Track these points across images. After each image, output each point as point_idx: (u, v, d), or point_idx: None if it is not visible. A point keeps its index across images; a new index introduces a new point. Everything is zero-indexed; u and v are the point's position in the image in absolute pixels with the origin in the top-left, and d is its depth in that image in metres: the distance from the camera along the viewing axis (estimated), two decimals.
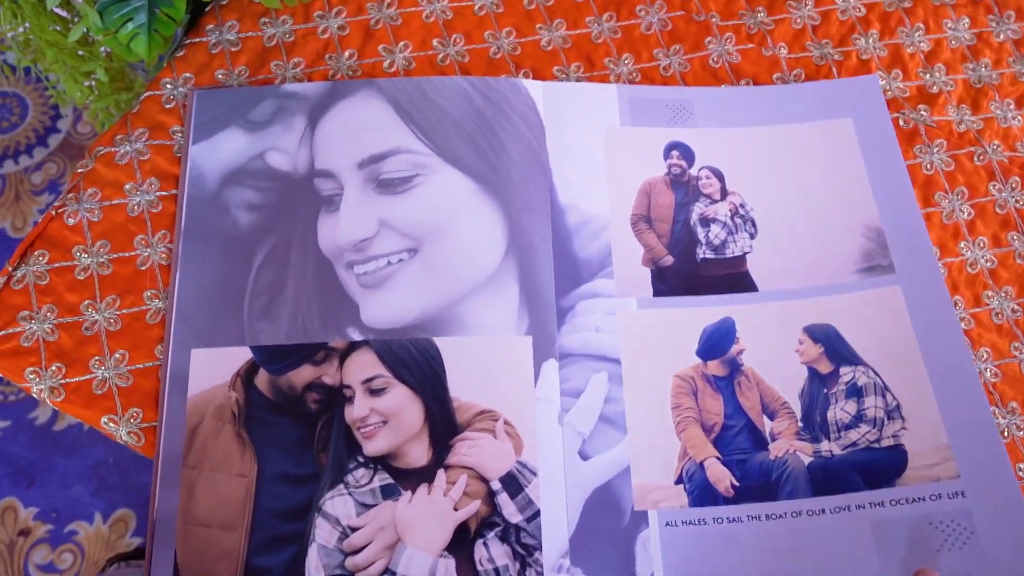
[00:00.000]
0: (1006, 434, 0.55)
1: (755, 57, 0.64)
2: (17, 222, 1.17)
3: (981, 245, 0.60)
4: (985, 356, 0.58)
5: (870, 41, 0.65)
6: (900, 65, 0.65)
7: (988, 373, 0.57)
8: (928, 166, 0.62)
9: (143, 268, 0.56)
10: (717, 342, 0.54)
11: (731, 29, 0.65)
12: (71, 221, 0.57)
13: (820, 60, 0.65)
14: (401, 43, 0.62)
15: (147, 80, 0.75)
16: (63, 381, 0.53)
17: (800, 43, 0.65)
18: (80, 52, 0.69)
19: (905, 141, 0.62)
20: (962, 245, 0.60)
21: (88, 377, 0.53)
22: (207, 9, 0.63)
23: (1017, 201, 0.62)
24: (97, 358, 0.54)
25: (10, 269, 0.55)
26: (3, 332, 0.54)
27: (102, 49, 0.70)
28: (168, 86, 0.60)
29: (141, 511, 1.02)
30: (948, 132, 0.63)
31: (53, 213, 0.57)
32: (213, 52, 0.62)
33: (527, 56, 0.63)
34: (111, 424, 0.52)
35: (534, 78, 0.62)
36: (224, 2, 0.63)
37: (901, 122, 0.63)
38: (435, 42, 0.63)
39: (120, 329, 0.54)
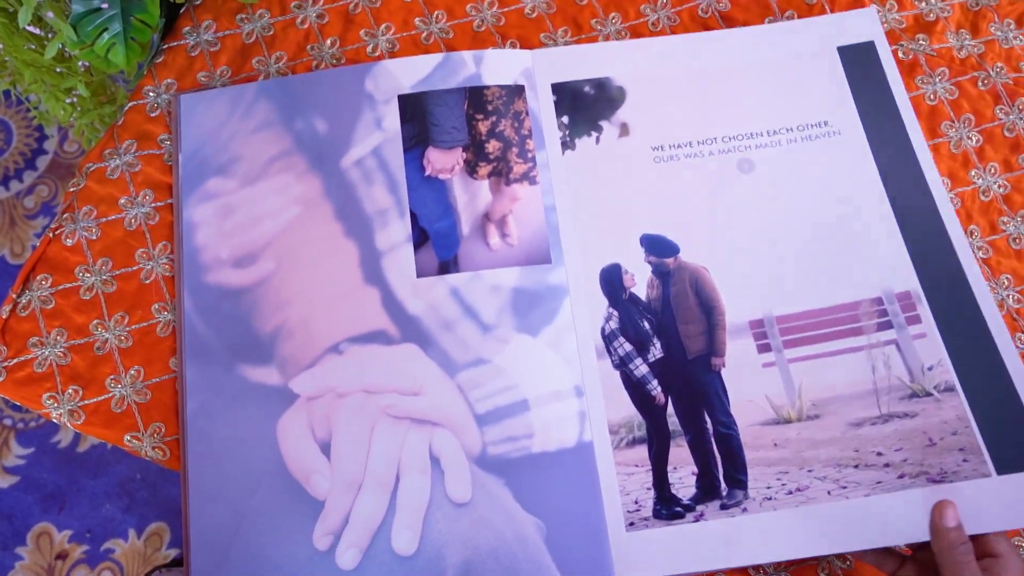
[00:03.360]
0: None
1: (745, 3, 0.62)
2: (16, 248, 1.16)
3: (992, 171, 0.59)
4: (1006, 283, 0.57)
5: None
6: None
7: (1011, 300, 0.56)
8: (931, 96, 0.61)
9: (147, 282, 0.55)
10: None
11: None
12: (69, 242, 0.56)
13: None
14: (383, 25, 0.61)
15: (129, 91, 0.74)
16: (81, 403, 0.53)
17: None
18: (58, 69, 0.68)
19: (906, 73, 0.61)
20: (973, 173, 0.59)
21: (106, 396, 0.53)
22: (181, 11, 0.61)
23: None
24: (112, 376, 0.53)
25: (14, 296, 0.55)
26: (15, 360, 0.53)
27: (80, 64, 0.69)
28: (151, 94, 0.59)
29: (174, 522, 1.03)
30: (949, 59, 0.62)
31: (51, 235, 0.56)
32: (192, 55, 0.60)
33: (512, 26, 0.61)
34: (134, 441, 0.52)
35: (521, 47, 0.61)
36: (198, 2, 0.61)
37: (900, 54, 0.61)
38: (417, 21, 0.61)
39: (132, 345, 0.54)
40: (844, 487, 0.49)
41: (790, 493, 0.49)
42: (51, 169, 1.19)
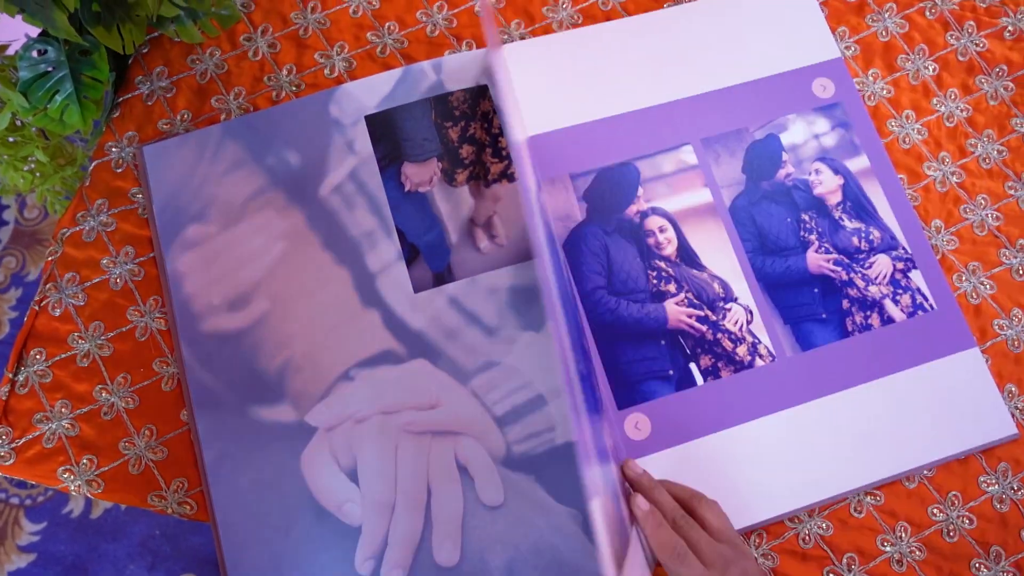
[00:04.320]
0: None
1: None
2: None
3: (952, 97, 0.61)
4: (983, 203, 0.58)
5: None
6: None
7: (990, 219, 0.58)
8: (883, 32, 0.62)
9: (143, 339, 0.54)
10: None
11: None
12: (57, 312, 0.55)
13: None
14: (336, 45, 0.60)
15: (88, 150, 0.72)
16: (98, 472, 0.52)
17: None
18: (12, 138, 0.66)
19: (855, 13, 0.62)
20: (935, 101, 0.60)
21: (122, 460, 0.52)
22: (130, 61, 0.60)
23: (976, 44, 0.62)
24: (125, 439, 0.52)
25: (10, 375, 0.54)
26: (23, 440, 0.52)
27: (34, 129, 0.67)
28: (113, 150, 0.58)
29: (201, 573, 1.01)
30: None
31: (36, 308, 0.55)
32: (149, 103, 0.59)
33: (465, 26, 0.61)
34: (159, 500, 0.52)
35: (477, 47, 0.60)
36: (146, 50, 0.60)
37: None
38: (369, 35, 0.61)
39: (139, 405, 0.53)
40: None
41: None
42: (15, 239, 1.17)
